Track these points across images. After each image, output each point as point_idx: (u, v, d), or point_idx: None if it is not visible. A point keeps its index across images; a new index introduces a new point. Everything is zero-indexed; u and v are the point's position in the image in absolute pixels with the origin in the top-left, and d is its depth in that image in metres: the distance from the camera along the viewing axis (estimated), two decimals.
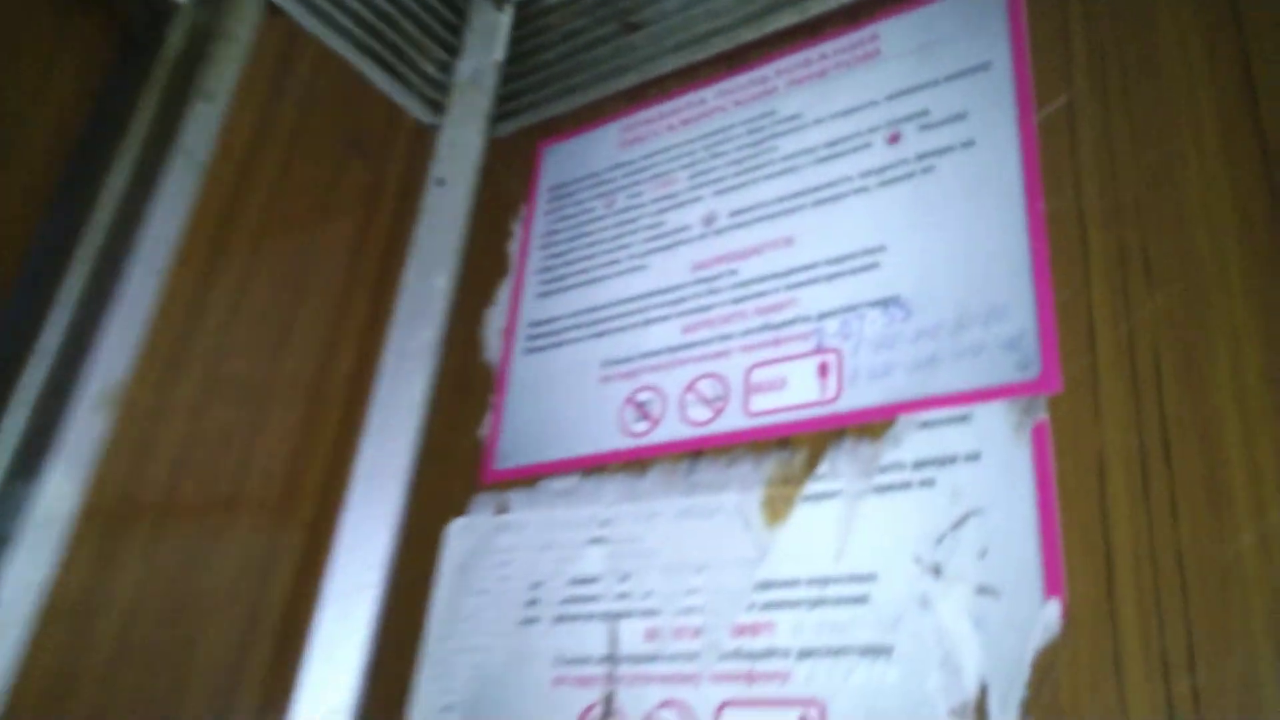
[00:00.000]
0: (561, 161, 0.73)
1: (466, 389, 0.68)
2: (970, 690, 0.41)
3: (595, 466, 0.59)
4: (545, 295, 0.68)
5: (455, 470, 0.66)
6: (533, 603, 0.57)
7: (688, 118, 0.67)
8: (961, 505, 0.44)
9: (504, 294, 0.71)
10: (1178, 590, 0.38)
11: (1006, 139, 0.51)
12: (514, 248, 0.72)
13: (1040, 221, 0.48)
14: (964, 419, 0.46)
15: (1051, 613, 0.40)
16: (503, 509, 0.61)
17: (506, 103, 0.80)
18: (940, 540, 0.44)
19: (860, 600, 0.45)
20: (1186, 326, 0.42)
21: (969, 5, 0.57)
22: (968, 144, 0.53)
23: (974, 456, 0.45)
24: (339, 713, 0.60)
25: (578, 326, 0.64)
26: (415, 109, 0.79)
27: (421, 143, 0.79)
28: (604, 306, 0.64)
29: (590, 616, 0.54)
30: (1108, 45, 0.50)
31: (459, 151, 0.79)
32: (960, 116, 0.54)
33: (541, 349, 0.66)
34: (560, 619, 0.55)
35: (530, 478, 0.61)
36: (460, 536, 0.62)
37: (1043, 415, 0.44)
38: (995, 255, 0.49)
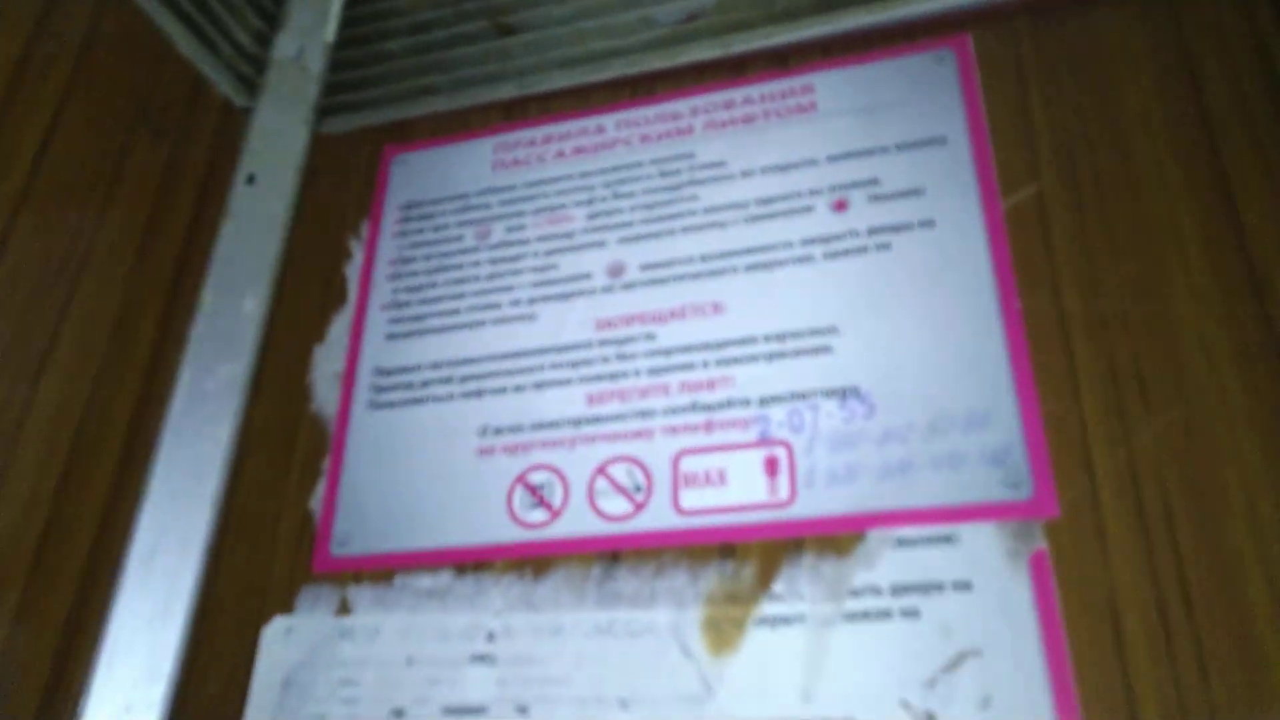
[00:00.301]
0: (416, 175, 0.60)
1: (286, 447, 0.54)
2: None
3: (474, 562, 0.47)
4: (396, 337, 0.55)
5: (271, 553, 0.51)
6: None
7: (582, 146, 0.57)
8: (954, 643, 0.39)
9: (339, 329, 0.57)
10: None
11: (971, 223, 0.47)
12: (352, 272, 0.58)
13: (1017, 321, 0.44)
14: (948, 539, 0.40)
15: None
16: (345, 609, 0.48)
17: (338, 93, 0.66)
18: (932, 684, 0.38)
19: None
20: (1192, 457, 0.39)
21: (915, 70, 0.52)
22: (927, 223, 0.47)
23: (964, 585, 0.39)
24: None
25: (444, 381, 0.52)
26: (225, 85, 0.62)
27: (231, 128, 0.63)
28: (479, 360, 0.52)
29: None
30: (1075, 141, 0.47)
31: (275, 144, 0.64)
32: (916, 192, 0.48)
33: (393, 404, 0.53)
34: None
35: (382, 570, 0.48)
36: (283, 642, 0.48)
37: (1040, 543, 0.39)
38: (969, 353, 0.44)
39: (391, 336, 0.55)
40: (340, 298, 0.58)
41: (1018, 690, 0.37)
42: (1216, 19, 0.47)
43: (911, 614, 0.40)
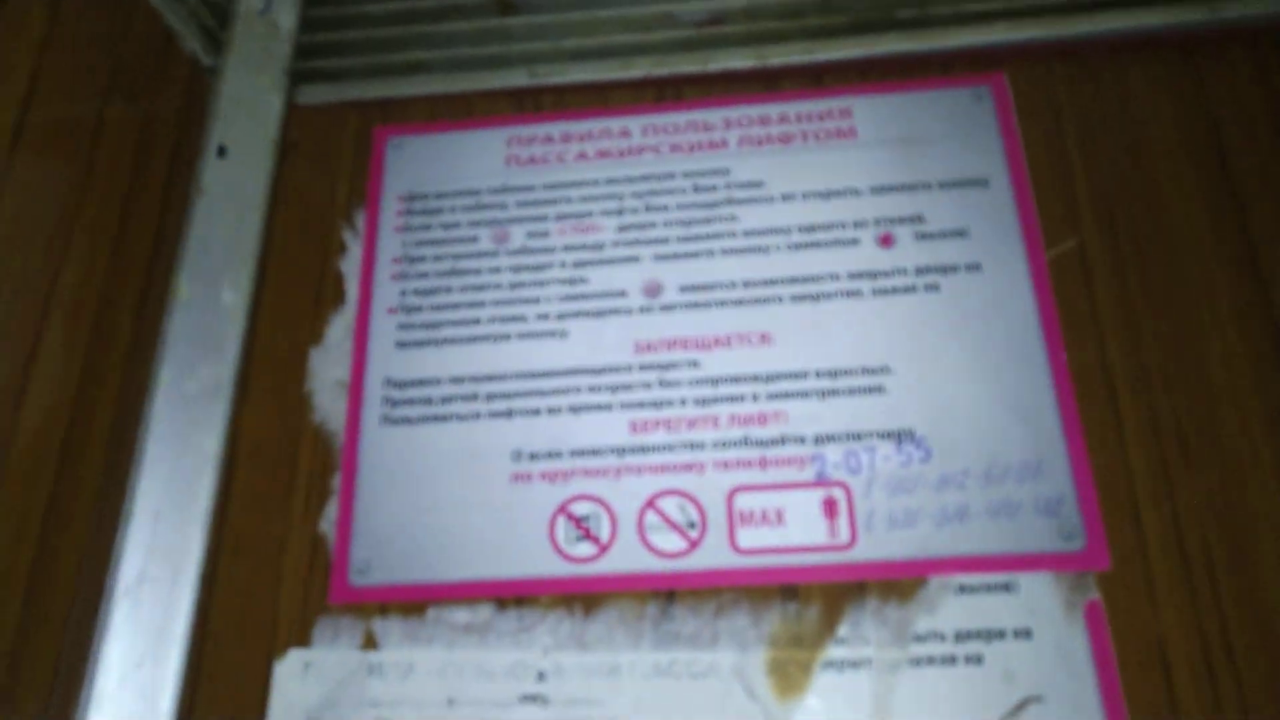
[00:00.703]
0: (417, 163, 0.56)
1: (287, 462, 0.50)
2: None
3: (516, 596, 0.45)
4: (409, 346, 0.51)
5: (278, 580, 0.47)
6: None
7: (606, 150, 0.54)
8: (1018, 689, 0.41)
9: (338, 332, 0.52)
10: None
11: (1017, 270, 0.48)
12: (349, 268, 0.54)
13: (1065, 374, 0.45)
14: (1008, 588, 0.42)
15: None
16: (370, 643, 0.45)
17: (313, 57, 0.60)
18: None
19: None
20: (1231, 515, 0.42)
21: (953, 105, 0.52)
22: (973, 267, 0.48)
23: (1024, 633, 0.41)
24: None
25: (469, 398, 0.49)
26: (192, 39, 0.55)
27: (199, 91, 0.56)
28: (507, 376, 0.50)
29: None
30: (1113, 194, 0.49)
31: (247, 111, 0.57)
32: (961, 233, 0.49)
33: (410, 421, 0.49)
34: None
35: (412, 602, 0.46)
36: (300, 678, 0.45)
37: (1094, 594, 0.42)
38: (1020, 401, 0.45)
39: (403, 344, 0.51)
40: (336, 295, 0.53)
41: None
42: (1234, 86, 0.50)
43: (975, 660, 0.41)
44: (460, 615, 0.45)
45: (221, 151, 0.55)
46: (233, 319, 0.52)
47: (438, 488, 0.48)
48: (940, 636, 0.42)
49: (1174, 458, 0.43)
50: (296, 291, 0.53)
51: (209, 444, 0.49)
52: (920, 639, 0.42)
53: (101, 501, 0.46)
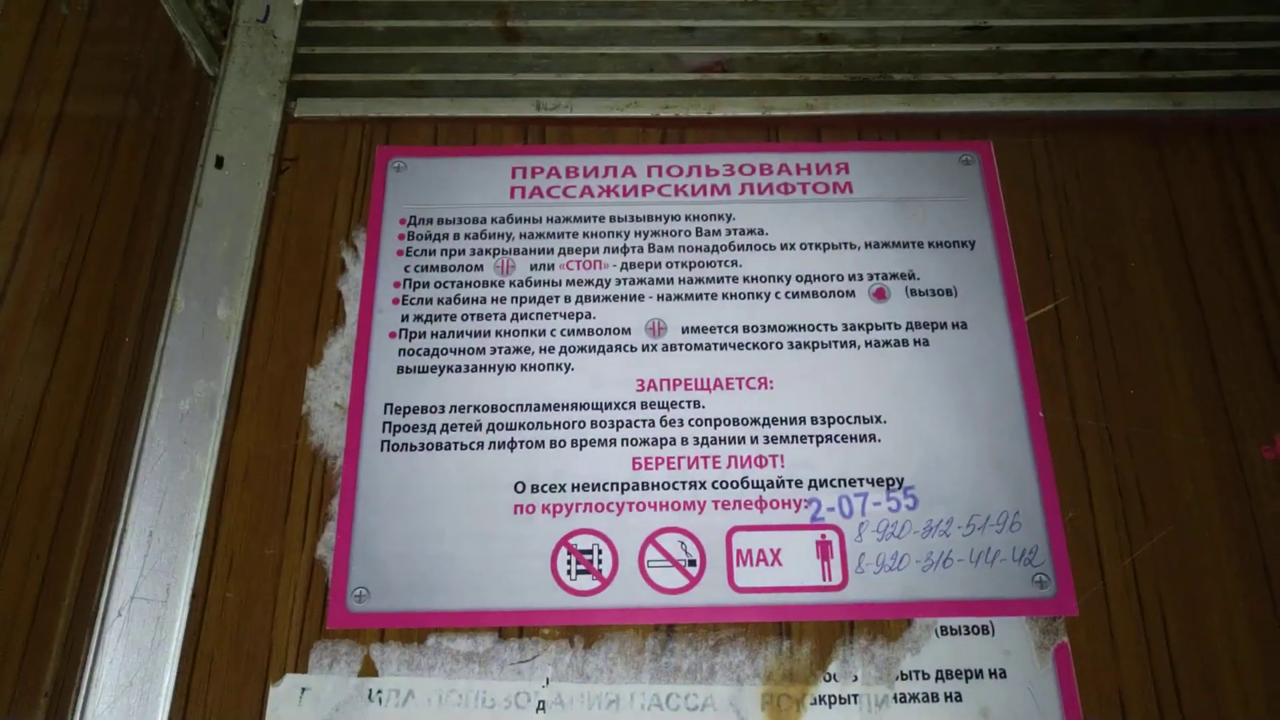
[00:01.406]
0: (420, 186, 0.58)
1: (283, 483, 0.51)
2: None
3: (519, 627, 0.48)
4: (410, 371, 0.53)
5: (272, 604, 0.49)
6: None
7: (611, 187, 0.57)
8: None
9: (336, 353, 0.54)
10: None
11: (1000, 330, 0.53)
12: (348, 288, 0.55)
13: (1042, 431, 0.51)
14: (986, 630, 0.47)
15: None
16: (370, 669, 0.47)
17: (311, 70, 0.61)
18: None
19: None
20: (1183, 571, 0.48)
21: (944, 168, 0.57)
22: (960, 325, 0.53)
23: (1000, 673, 0.46)
24: None
25: (472, 427, 0.52)
26: (199, 47, 0.56)
27: (203, 99, 0.57)
28: (510, 408, 0.52)
29: None
30: (1085, 265, 0.55)
31: (244, 122, 0.58)
32: (950, 292, 0.54)
33: (411, 447, 0.51)
34: None
35: (412, 630, 0.48)
36: (296, 703, 0.47)
37: (1063, 637, 0.47)
38: (1001, 455, 0.50)
39: (404, 370, 0.53)
40: (335, 316, 0.55)
41: None
42: (1192, 173, 0.56)
43: (955, 697, 0.46)
44: (461, 644, 0.47)
45: (219, 162, 0.56)
46: (228, 335, 0.53)
47: (439, 516, 0.50)
48: (924, 675, 0.46)
49: (1134, 514, 0.49)
50: (294, 310, 0.54)
51: (201, 462, 0.50)
52: (905, 677, 0.46)
53: (100, 519, 0.47)
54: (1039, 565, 0.48)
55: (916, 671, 0.46)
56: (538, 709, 0.46)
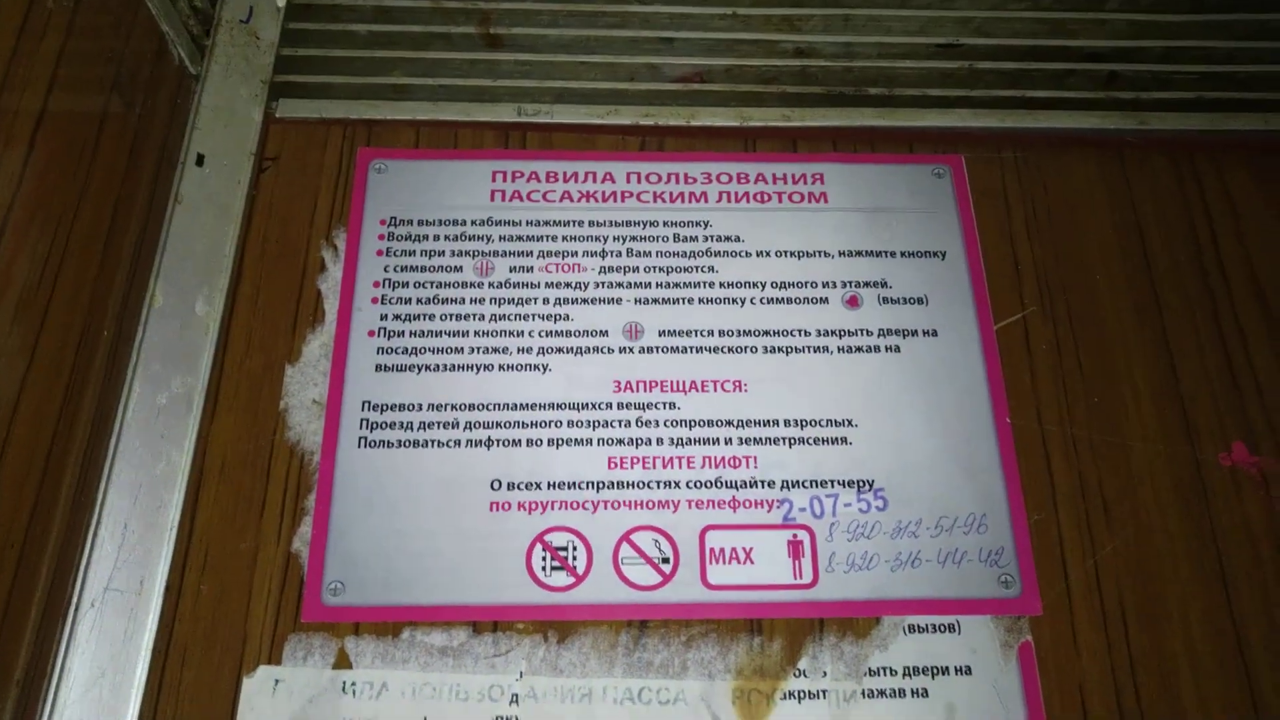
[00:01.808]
0: (401, 187, 0.60)
1: (259, 478, 0.52)
2: None
3: (493, 622, 0.50)
4: (387, 370, 0.55)
5: (249, 596, 0.50)
6: None
7: (590, 192, 0.60)
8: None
9: (314, 350, 0.55)
10: None
11: (969, 338, 0.56)
12: (326, 287, 0.57)
13: (1009, 437, 0.53)
14: (952, 629, 0.49)
15: None
16: (344, 662, 0.49)
17: (293, 71, 0.63)
18: None
19: None
20: (1142, 572, 0.50)
21: (917, 180, 0.60)
22: (930, 332, 0.56)
23: (965, 670, 0.48)
24: None
25: (449, 425, 0.53)
26: (181, 45, 0.58)
27: (186, 98, 0.58)
28: (488, 407, 0.54)
29: None
30: (1052, 277, 0.57)
31: (224, 121, 0.60)
32: (921, 300, 0.57)
33: (388, 444, 0.53)
34: None
35: (387, 624, 0.49)
36: (270, 695, 0.48)
37: (1027, 636, 0.49)
38: (969, 459, 0.53)
39: (382, 369, 0.55)
40: (314, 314, 0.56)
41: None
42: (1155, 190, 0.60)
43: (921, 693, 0.48)
44: (436, 638, 0.49)
45: (200, 160, 0.58)
46: (206, 331, 0.55)
47: (415, 512, 0.51)
48: (891, 671, 0.48)
49: (1096, 517, 0.51)
50: (272, 307, 0.56)
51: (178, 456, 0.52)
52: (873, 673, 0.48)
53: (75, 511, 0.48)
54: (1004, 566, 0.50)
55: (884, 668, 0.48)
56: (511, 701, 0.48)
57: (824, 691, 0.48)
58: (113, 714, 0.46)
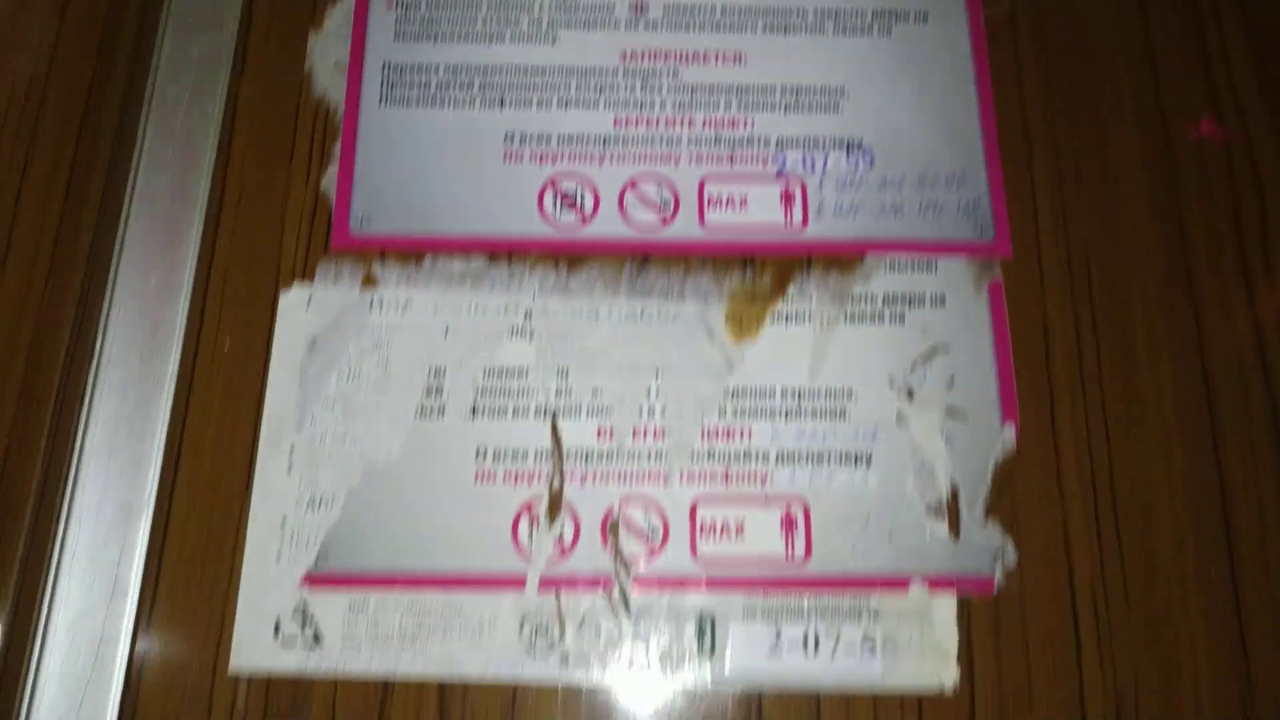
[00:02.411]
0: None
1: (288, 127, 0.58)
2: (943, 491, 0.51)
3: (507, 251, 0.56)
4: (406, 38, 0.60)
5: (280, 225, 0.56)
6: (435, 392, 0.53)
7: None
8: (930, 340, 0.54)
9: (336, 19, 0.60)
10: (1101, 422, 0.52)
11: (959, 27, 0.61)
12: None
13: (990, 108, 0.59)
14: (929, 266, 0.55)
15: (1008, 434, 0.52)
16: (371, 282, 0.55)
17: None
18: (912, 368, 0.53)
19: (839, 414, 0.53)
20: (1107, 222, 0.56)
21: None
22: (922, 17, 0.61)
23: (939, 301, 0.55)
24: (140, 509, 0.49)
25: (463, 86, 0.59)
26: None
27: None
28: (500, 70, 0.59)
29: (520, 411, 0.52)
30: None
31: None
32: None
33: (408, 103, 0.59)
34: (477, 412, 0.52)
35: (410, 251, 0.55)
36: (303, 308, 0.54)
37: (998, 274, 0.55)
38: (952, 127, 0.58)
39: (400, 37, 0.60)
40: None
41: (974, 377, 0.53)
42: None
43: (898, 319, 0.54)
44: (455, 265, 0.55)
45: None
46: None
47: (434, 161, 0.57)
48: (872, 299, 0.55)
49: (1069, 173, 0.57)
50: None
51: (211, 107, 0.57)
52: (855, 300, 0.55)
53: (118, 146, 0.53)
54: (980, 214, 0.56)
55: (866, 296, 0.55)
56: (525, 316, 0.54)
57: (809, 314, 0.54)
58: (165, 320, 0.53)
